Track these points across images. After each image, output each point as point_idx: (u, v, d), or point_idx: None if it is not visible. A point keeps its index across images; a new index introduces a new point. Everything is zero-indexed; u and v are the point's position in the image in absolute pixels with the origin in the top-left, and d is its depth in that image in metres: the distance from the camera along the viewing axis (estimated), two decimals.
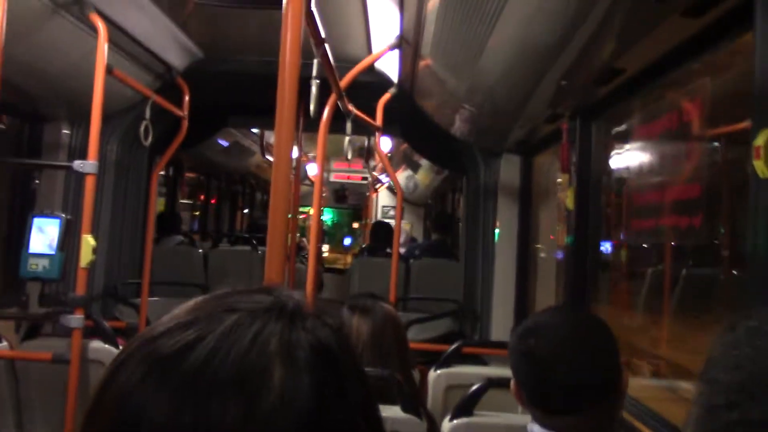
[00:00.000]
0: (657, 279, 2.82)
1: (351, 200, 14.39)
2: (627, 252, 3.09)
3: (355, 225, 16.34)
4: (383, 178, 11.26)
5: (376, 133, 4.02)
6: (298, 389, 0.54)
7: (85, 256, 2.80)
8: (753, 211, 1.59)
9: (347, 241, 15.59)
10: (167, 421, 0.52)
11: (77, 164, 2.85)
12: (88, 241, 2.80)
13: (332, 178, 13.23)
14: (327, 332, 0.59)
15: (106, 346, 3.01)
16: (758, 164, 1.53)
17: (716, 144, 2.26)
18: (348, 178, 13.24)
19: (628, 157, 2.82)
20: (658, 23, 1.92)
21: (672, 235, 2.37)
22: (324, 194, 11.92)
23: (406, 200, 11.88)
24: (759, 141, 1.53)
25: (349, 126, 3.28)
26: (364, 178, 11.82)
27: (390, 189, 12.48)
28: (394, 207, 12.27)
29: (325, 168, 12.69)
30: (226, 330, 0.56)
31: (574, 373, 1.41)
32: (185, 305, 0.61)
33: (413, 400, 2.17)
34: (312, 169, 9.63)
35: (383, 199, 12.71)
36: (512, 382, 1.52)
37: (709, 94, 2.16)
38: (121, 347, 3.14)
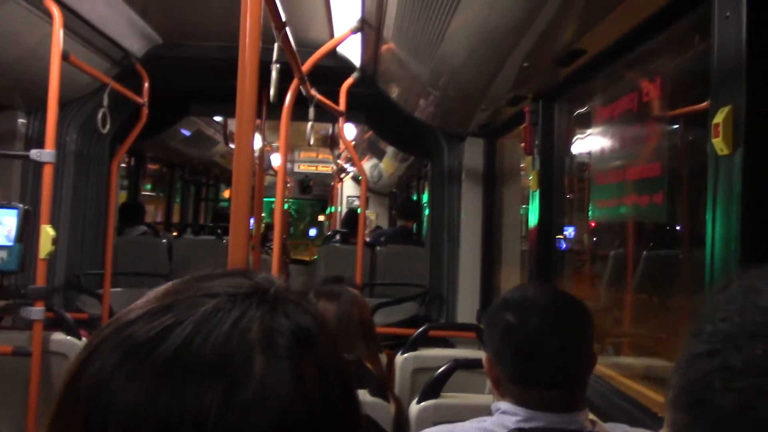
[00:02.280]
0: (619, 260, 2.85)
1: (316, 191, 14.38)
2: (590, 233, 3.13)
3: (321, 217, 16.23)
4: (348, 167, 11.24)
5: (340, 120, 4.00)
6: (278, 377, 0.53)
7: (45, 246, 2.74)
8: (712, 189, 1.61)
9: (312, 232, 15.56)
10: (141, 409, 0.50)
11: (34, 153, 2.79)
12: (47, 231, 2.75)
13: (297, 168, 13.20)
14: (307, 318, 0.58)
15: (68, 337, 2.96)
16: (717, 142, 1.55)
17: (676, 126, 2.29)
18: (314, 168, 13.23)
19: (591, 138, 2.85)
20: (617, 3, 1.93)
21: (634, 214, 2.40)
22: (289, 185, 11.91)
23: (370, 190, 11.89)
24: (717, 119, 1.55)
25: (311, 111, 3.26)
26: (330, 169, 11.81)
27: (355, 179, 12.42)
28: (358, 197, 12.26)
29: (290, 159, 12.72)
30: (205, 314, 0.54)
31: (564, 349, 1.42)
32: (160, 289, 0.59)
33: (381, 384, 2.17)
34: (276, 159, 9.57)
35: (348, 189, 12.70)
36: (485, 359, 1.51)
37: (669, 74, 2.19)
38: (83, 339, 3.09)
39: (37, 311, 2.73)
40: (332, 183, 12.62)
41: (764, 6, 1.51)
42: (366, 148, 8.99)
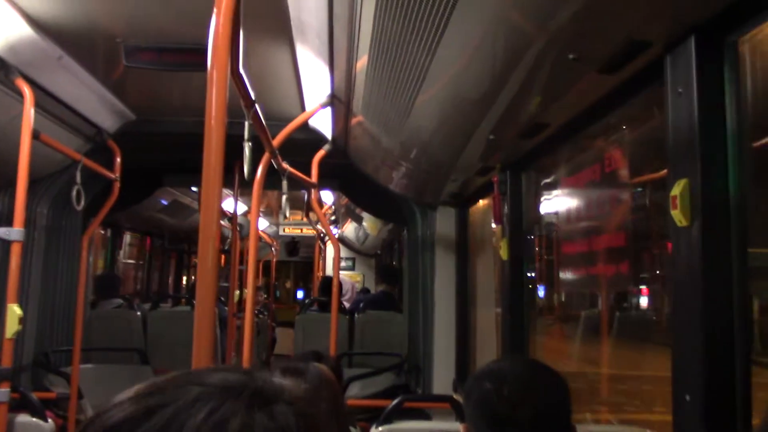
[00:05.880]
0: (592, 325, 2.86)
1: (303, 253, 14.35)
2: (560, 299, 3.14)
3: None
4: (333, 228, 11.21)
5: (313, 190, 4.03)
6: None
7: (11, 326, 2.70)
8: (674, 258, 1.64)
9: (300, 294, 15.49)
10: None
11: (2, 232, 2.77)
12: (14, 310, 2.71)
13: (282, 231, 13.19)
14: (291, 420, 0.57)
15: (34, 419, 2.89)
16: (675, 213, 1.59)
17: (639, 190, 2.34)
18: (299, 231, 13.23)
19: (557, 207, 2.89)
20: (577, 80, 1.99)
21: (602, 282, 2.43)
22: (274, 248, 11.88)
23: (356, 251, 11.85)
24: (675, 191, 1.59)
25: (284, 184, 3.28)
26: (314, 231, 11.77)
27: (340, 240, 12.37)
28: (344, 258, 12.20)
29: (273, 222, 12.71)
30: (188, 401, 0.54)
31: (538, 416, 1.45)
32: (158, 378, 0.60)
33: None
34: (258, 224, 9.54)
35: (333, 250, 12.58)
36: (462, 428, 1.53)
37: (628, 144, 2.25)
38: (50, 420, 2.99)
39: (1, 393, 2.66)
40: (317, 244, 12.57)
41: (714, 83, 1.57)
42: (344, 212, 9.01)
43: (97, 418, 0.56)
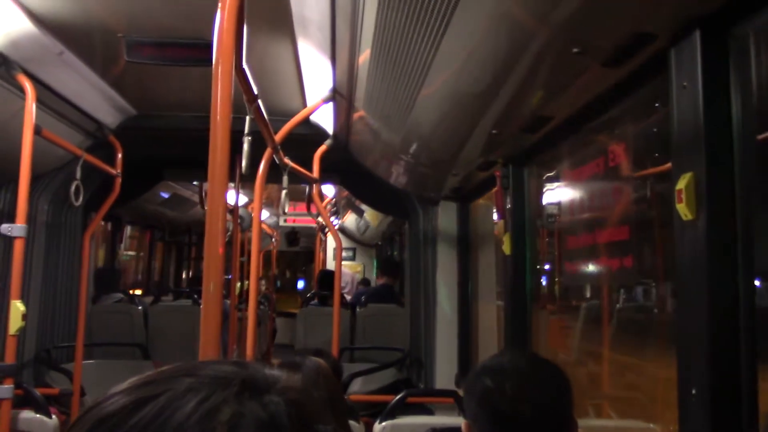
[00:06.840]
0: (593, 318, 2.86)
1: (303, 243, 14.31)
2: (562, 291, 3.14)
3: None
4: (333, 219, 11.19)
5: (314, 185, 4.02)
6: None
7: (14, 322, 2.70)
8: (679, 252, 1.64)
9: (300, 284, 15.48)
10: None
11: (4, 228, 2.77)
12: (17, 307, 2.71)
13: (282, 221, 13.18)
14: (282, 409, 0.57)
15: (38, 415, 2.89)
16: (681, 207, 1.59)
17: (644, 184, 2.34)
18: (300, 221, 13.23)
19: (561, 201, 2.89)
20: (580, 73, 1.99)
21: (606, 276, 2.43)
22: (274, 239, 11.87)
23: (357, 241, 11.82)
24: (680, 185, 1.58)
25: (285, 179, 3.28)
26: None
27: (341, 230, 12.33)
28: (345, 248, 12.19)
29: (274, 213, 12.70)
30: (179, 392, 0.54)
31: (540, 413, 1.45)
32: (145, 373, 0.60)
33: None
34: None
35: (334, 243, 12.53)
36: (464, 425, 1.53)
37: (632, 138, 2.24)
38: (53, 416, 2.99)
39: (5, 389, 2.66)
40: (317, 236, 12.55)
41: (719, 76, 1.56)
42: (345, 204, 9.00)
43: (91, 410, 0.56)
